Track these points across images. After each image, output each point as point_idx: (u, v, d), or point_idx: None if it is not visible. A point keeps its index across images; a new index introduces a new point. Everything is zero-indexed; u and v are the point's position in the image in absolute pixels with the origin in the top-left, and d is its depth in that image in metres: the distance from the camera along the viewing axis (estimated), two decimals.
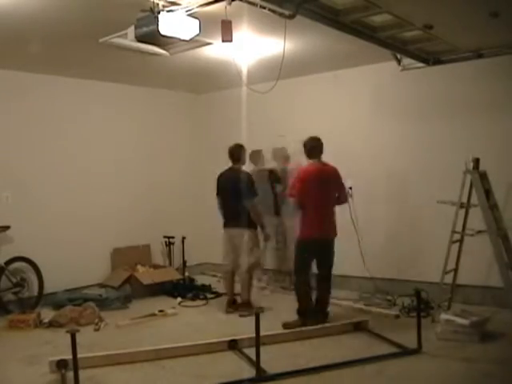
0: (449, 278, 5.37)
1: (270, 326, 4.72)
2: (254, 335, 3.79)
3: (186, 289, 6.52)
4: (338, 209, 6.54)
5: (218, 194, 5.82)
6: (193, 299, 6.25)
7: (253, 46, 5.20)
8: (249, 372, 3.84)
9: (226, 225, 5.73)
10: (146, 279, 6.49)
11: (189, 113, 7.91)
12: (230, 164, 5.83)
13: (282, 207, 6.69)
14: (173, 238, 7.14)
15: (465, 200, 5.21)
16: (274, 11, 3.73)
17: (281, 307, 5.78)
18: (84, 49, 5.08)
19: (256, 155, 6.92)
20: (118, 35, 4.32)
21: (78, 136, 6.62)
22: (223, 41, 3.86)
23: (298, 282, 5.20)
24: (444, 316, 4.62)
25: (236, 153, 5.78)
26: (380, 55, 5.40)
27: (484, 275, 5.41)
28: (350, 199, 6.40)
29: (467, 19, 4.27)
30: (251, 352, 3.95)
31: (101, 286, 6.48)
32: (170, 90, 7.56)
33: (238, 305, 5.72)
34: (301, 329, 4.80)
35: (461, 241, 5.30)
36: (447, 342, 4.41)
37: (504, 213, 5.19)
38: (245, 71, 5.73)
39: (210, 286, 6.67)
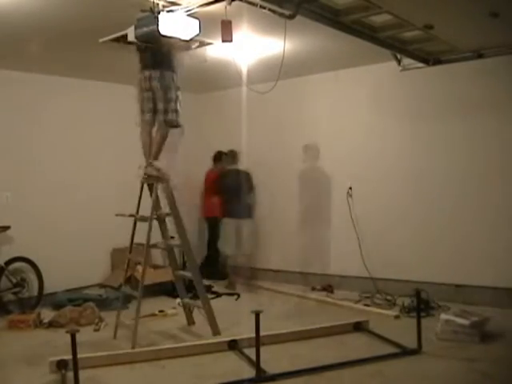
0: (449, 278, 5.38)
1: (270, 326, 4.71)
2: (253, 335, 3.79)
3: (186, 289, 6.50)
4: (338, 209, 6.60)
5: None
6: (192, 299, 6.23)
7: (253, 46, 5.20)
8: (249, 372, 3.83)
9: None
10: (146, 279, 6.47)
11: (189, 113, 7.87)
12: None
13: None
14: (173, 237, 7.12)
15: None
16: (274, 11, 3.73)
17: (279, 307, 5.79)
18: (84, 49, 5.08)
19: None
20: (118, 35, 4.32)
21: (79, 136, 6.61)
22: (223, 41, 3.86)
23: None
24: (444, 316, 4.61)
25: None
26: (380, 55, 5.40)
27: (484, 275, 5.42)
28: (349, 199, 6.43)
29: (467, 19, 4.27)
30: (251, 352, 3.95)
31: (101, 286, 6.48)
32: None
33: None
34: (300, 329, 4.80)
35: None
36: (447, 342, 4.40)
37: None
38: (245, 71, 5.73)
39: (210, 286, 6.66)
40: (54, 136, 6.41)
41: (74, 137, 6.57)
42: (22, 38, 4.69)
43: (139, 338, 4.66)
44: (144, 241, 4.79)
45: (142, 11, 3.74)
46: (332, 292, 6.37)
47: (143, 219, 4.85)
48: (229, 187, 6.80)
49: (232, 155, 6.99)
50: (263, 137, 6.99)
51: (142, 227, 4.91)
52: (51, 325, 5.28)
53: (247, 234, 6.80)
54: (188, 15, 3.77)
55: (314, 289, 6.57)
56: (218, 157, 7.46)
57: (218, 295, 6.41)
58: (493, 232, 5.41)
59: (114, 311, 5.77)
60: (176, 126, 4.68)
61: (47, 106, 6.33)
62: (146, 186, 5.00)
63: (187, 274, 5.22)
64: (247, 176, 6.82)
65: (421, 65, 5.49)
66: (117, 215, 5.16)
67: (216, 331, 4.80)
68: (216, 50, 5.23)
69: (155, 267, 6.96)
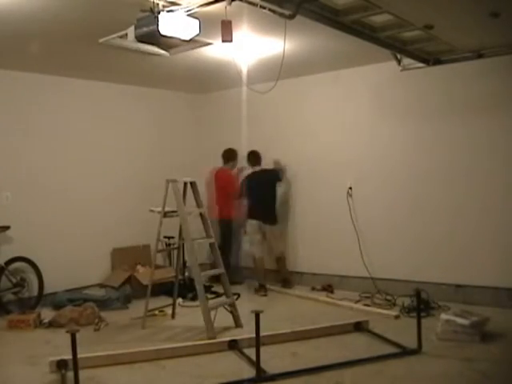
0: (449, 278, 5.37)
1: (270, 325, 4.72)
2: (254, 335, 3.79)
3: (186, 289, 6.51)
4: (338, 209, 6.60)
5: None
6: (193, 299, 6.24)
7: (253, 46, 5.20)
8: (249, 372, 3.83)
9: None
10: (146, 279, 6.48)
11: (189, 113, 7.91)
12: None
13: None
14: (173, 237, 7.14)
15: None
16: (274, 11, 3.73)
17: (280, 307, 5.79)
18: (84, 49, 5.07)
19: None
20: (118, 35, 4.31)
21: (78, 136, 6.62)
22: (223, 41, 3.86)
23: None
24: (444, 316, 4.61)
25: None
26: (380, 55, 5.39)
27: (485, 275, 5.41)
28: (349, 199, 6.43)
29: (467, 19, 4.26)
30: (251, 352, 3.95)
31: (101, 286, 6.48)
32: (170, 90, 7.56)
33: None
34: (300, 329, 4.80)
35: None
36: (447, 341, 4.40)
37: None
38: (245, 71, 5.74)
39: (210, 286, 6.67)
40: (54, 136, 6.41)
41: (73, 136, 6.57)
42: (21, 37, 4.68)
43: (139, 339, 4.66)
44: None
45: (142, 11, 3.73)
46: (332, 292, 6.38)
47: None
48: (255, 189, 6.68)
49: (255, 156, 6.89)
50: (263, 137, 6.98)
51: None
52: (51, 325, 5.29)
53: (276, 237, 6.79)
54: (188, 15, 3.76)
55: (313, 289, 6.57)
56: (232, 155, 7.19)
57: (218, 295, 6.41)
58: (494, 232, 5.41)
59: (113, 311, 5.82)
60: None
61: (47, 106, 6.33)
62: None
63: (218, 271, 5.37)
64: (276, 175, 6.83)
65: (421, 65, 5.48)
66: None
67: (211, 335, 4.71)
68: (216, 50, 5.22)
69: (156, 267, 6.95)
